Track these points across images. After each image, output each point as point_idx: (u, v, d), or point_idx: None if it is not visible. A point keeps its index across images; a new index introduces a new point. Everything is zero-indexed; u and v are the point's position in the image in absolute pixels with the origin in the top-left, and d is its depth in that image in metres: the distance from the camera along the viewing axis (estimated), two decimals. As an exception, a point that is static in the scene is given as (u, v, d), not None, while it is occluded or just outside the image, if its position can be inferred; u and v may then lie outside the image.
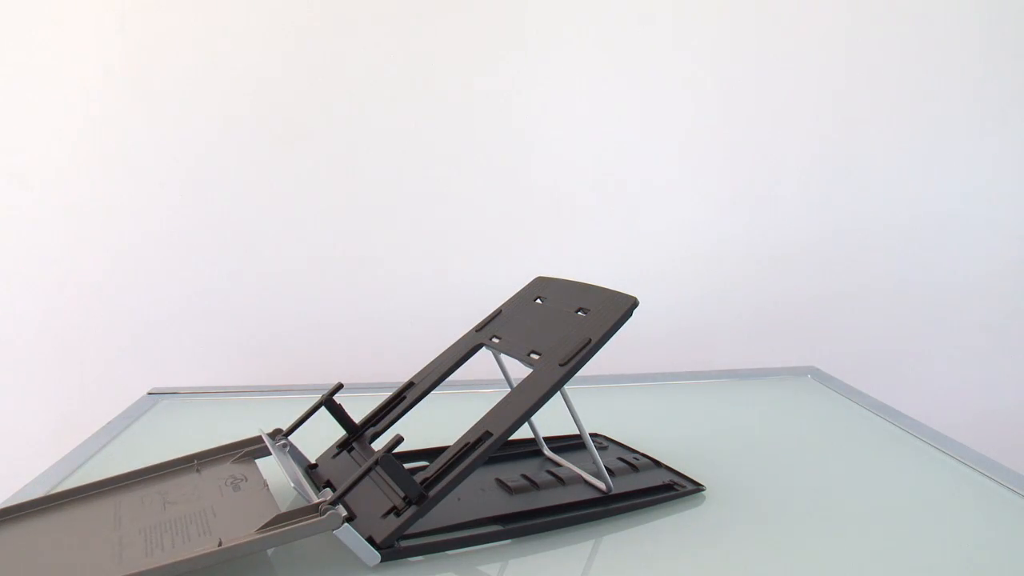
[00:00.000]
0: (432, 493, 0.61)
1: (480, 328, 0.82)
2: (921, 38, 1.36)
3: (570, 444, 0.84)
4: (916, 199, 1.40)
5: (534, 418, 0.74)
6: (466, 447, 0.63)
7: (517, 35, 1.22)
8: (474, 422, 0.66)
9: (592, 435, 0.85)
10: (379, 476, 0.68)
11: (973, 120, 1.39)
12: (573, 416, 0.70)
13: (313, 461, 0.77)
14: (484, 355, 0.81)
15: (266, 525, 0.57)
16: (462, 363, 0.79)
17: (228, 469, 0.73)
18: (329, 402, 0.75)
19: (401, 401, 0.79)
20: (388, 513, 0.63)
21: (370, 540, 0.61)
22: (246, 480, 0.70)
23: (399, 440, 0.63)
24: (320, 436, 0.78)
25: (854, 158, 1.39)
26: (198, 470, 0.74)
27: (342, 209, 1.33)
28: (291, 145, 1.31)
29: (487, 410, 0.67)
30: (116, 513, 0.67)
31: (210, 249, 1.31)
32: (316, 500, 0.60)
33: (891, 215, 1.40)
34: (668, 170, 1.34)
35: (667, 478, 0.75)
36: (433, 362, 0.81)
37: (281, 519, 0.58)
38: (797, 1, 1.34)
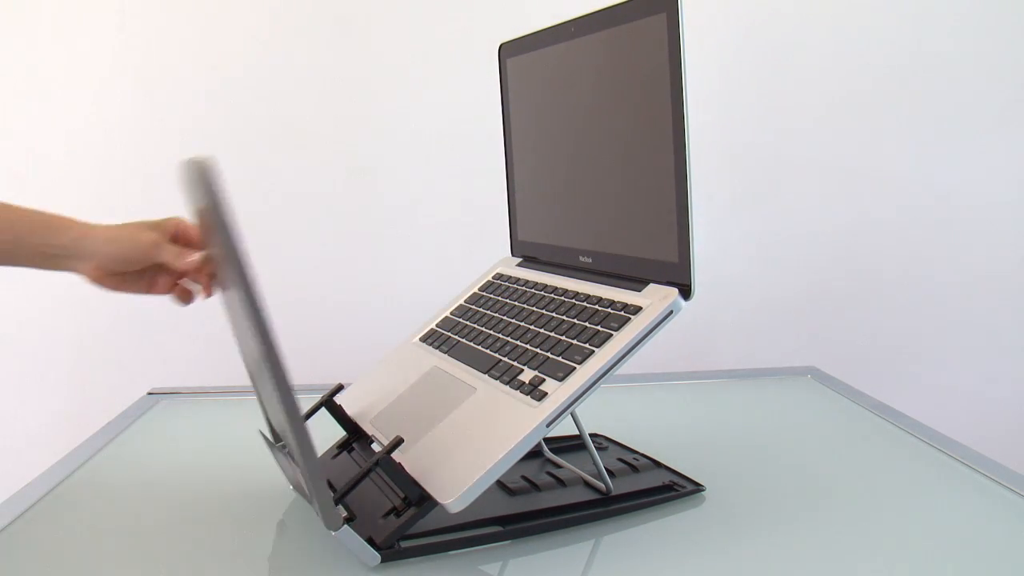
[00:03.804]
0: (432, 494, 0.61)
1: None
2: (924, 37, 1.36)
3: (570, 444, 0.84)
4: (917, 199, 1.40)
5: (534, 418, 0.74)
6: (466, 448, 0.63)
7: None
8: (474, 423, 0.66)
9: (592, 435, 0.85)
10: (379, 477, 0.68)
11: (973, 122, 1.38)
12: (573, 416, 0.70)
13: (313, 461, 0.77)
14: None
15: None
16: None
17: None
18: (329, 402, 0.75)
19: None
20: (388, 514, 0.63)
21: (370, 541, 0.61)
22: None
23: (399, 441, 0.63)
24: (320, 436, 0.78)
25: (855, 160, 1.38)
26: None
27: (344, 209, 1.33)
28: (295, 146, 1.31)
29: (487, 411, 0.67)
30: None
31: (210, 249, 1.31)
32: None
33: (892, 215, 1.40)
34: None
35: (667, 478, 0.75)
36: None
37: None
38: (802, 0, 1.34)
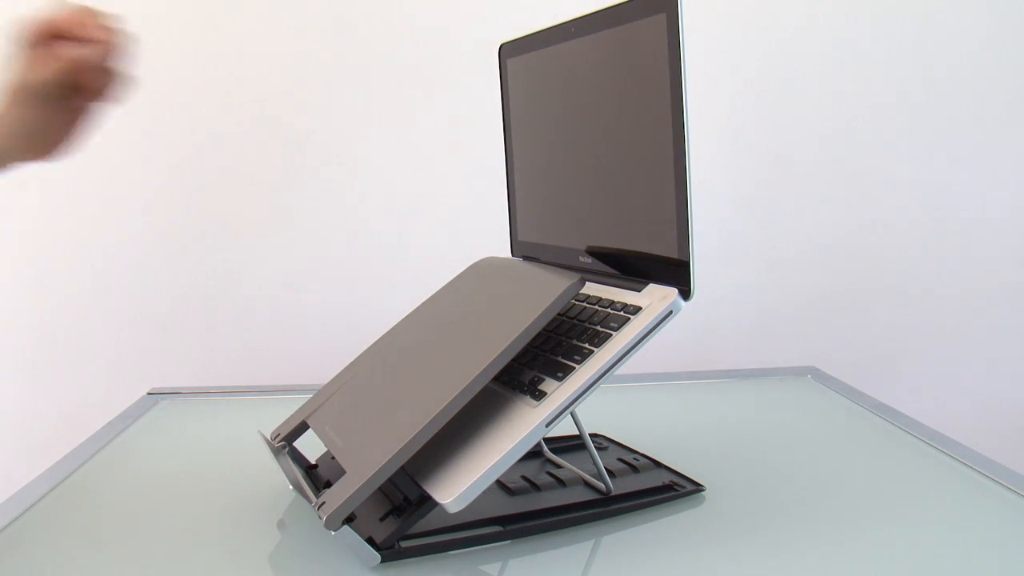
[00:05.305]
0: (432, 494, 0.61)
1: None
2: (926, 38, 1.36)
3: (570, 444, 0.84)
4: (916, 200, 1.40)
5: (534, 418, 0.74)
6: (466, 448, 0.63)
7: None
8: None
9: (592, 435, 0.85)
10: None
11: (973, 123, 1.38)
12: (573, 416, 0.70)
13: (313, 461, 0.77)
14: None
15: None
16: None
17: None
18: (329, 402, 0.75)
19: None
20: (388, 514, 0.63)
21: (370, 541, 0.61)
22: None
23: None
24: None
25: (856, 161, 1.38)
26: None
27: (343, 209, 1.33)
28: (291, 146, 1.31)
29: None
30: None
31: (211, 249, 1.31)
32: (316, 501, 0.60)
33: (892, 216, 1.40)
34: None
35: (667, 478, 0.75)
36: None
37: None
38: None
